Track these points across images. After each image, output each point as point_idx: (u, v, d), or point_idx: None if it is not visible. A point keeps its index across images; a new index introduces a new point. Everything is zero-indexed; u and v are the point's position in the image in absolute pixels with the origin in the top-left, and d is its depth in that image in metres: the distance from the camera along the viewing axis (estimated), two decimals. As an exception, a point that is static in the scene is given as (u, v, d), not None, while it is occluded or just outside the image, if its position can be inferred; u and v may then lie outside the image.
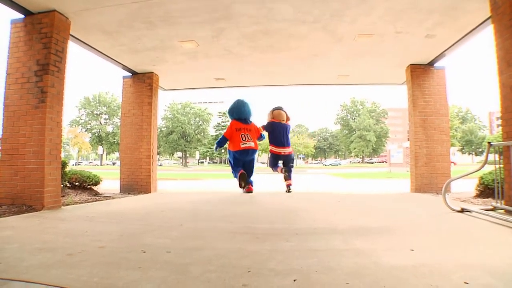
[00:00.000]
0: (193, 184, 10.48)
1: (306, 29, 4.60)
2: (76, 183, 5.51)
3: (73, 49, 4.93)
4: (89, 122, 52.59)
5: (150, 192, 6.24)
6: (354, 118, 59.04)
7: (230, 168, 6.16)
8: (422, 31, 4.60)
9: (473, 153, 52.33)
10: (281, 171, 6.05)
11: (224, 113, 45.86)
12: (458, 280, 1.41)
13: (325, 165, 51.22)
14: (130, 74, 6.57)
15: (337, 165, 50.41)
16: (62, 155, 4.33)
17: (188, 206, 4.20)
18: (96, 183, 5.77)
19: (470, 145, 51.76)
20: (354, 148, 56.92)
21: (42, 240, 2.22)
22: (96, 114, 52.51)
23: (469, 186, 5.28)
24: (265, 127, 6.25)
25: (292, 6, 3.98)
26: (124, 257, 1.81)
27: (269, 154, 6.26)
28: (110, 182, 7.33)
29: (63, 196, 4.75)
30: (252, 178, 6.11)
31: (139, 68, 6.32)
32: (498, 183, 3.31)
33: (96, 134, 52.00)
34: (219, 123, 54.42)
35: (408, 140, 8.79)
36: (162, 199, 5.05)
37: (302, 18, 4.28)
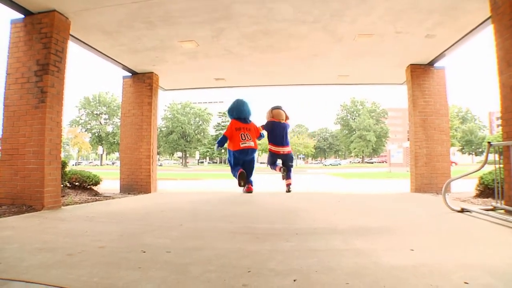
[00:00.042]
0: (193, 184, 10.48)
1: (306, 29, 4.60)
2: (76, 183, 5.51)
3: (73, 49, 4.94)
4: (89, 122, 52.57)
5: (150, 192, 6.24)
6: (354, 118, 59.03)
7: (230, 168, 6.16)
8: (422, 31, 4.60)
9: (473, 153, 52.33)
10: (280, 170, 6.07)
11: (224, 113, 45.87)
12: (458, 280, 1.41)
13: (325, 165, 51.21)
14: (130, 74, 6.57)
15: (337, 165, 50.40)
16: (62, 155, 4.33)
17: (188, 206, 4.20)
18: (96, 183, 5.77)
19: (470, 145, 51.75)
20: (354, 148, 56.91)
21: (42, 240, 2.22)
22: (96, 114, 52.50)
23: (469, 186, 5.28)
24: (265, 127, 6.26)
25: (292, 6, 3.98)
26: (124, 257, 1.81)
27: (268, 152, 6.27)
28: (110, 182, 7.33)
29: (63, 196, 4.75)
30: (252, 178, 6.11)
31: (139, 68, 6.32)
32: (498, 183, 3.31)
33: (96, 134, 51.99)
34: (219, 123, 54.42)
35: (408, 140, 8.79)
36: (162, 199, 5.05)
37: (302, 18, 4.28)
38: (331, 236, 2.33)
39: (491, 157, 3.42)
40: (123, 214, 3.49)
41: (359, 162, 59.21)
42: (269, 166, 6.43)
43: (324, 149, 69.42)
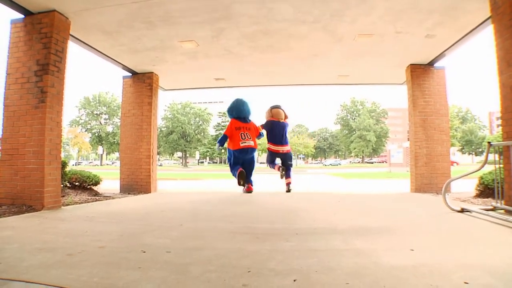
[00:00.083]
0: (193, 184, 10.48)
1: (306, 29, 4.60)
2: (76, 183, 5.51)
3: (73, 49, 4.94)
4: (89, 122, 52.58)
5: (150, 192, 6.24)
6: (354, 118, 59.03)
7: (229, 167, 6.17)
8: (422, 31, 4.60)
9: (473, 153, 52.34)
10: (278, 169, 6.08)
11: (224, 113, 45.85)
12: (458, 280, 1.41)
13: (325, 165, 51.21)
14: (130, 74, 6.57)
15: (337, 165, 50.40)
16: (62, 155, 4.33)
17: (188, 206, 4.20)
18: (96, 183, 5.77)
19: (470, 145, 51.75)
20: (354, 148, 56.92)
21: (42, 240, 2.22)
22: (96, 114, 52.50)
23: (469, 186, 5.28)
24: (264, 126, 6.27)
25: (292, 6, 3.98)
26: (124, 257, 1.81)
27: (267, 151, 6.29)
28: (110, 182, 7.33)
29: (63, 196, 4.75)
30: (252, 178, 6.12)
31: (139, 68, 6.32)
32: (498, 183, 3.31)
33: (96, 134, 52.00)
34: (219, 123, 54.43)
35: (408, 140, 8.79)
36: (162, 199, 5.05)
37: (302, 18, 4.28)
38: (331, 236, 2.33)
39: (491, 157, 3.42)
40: (123, 214, 3.49)
41: (359, 162, 59.22)
42: (268, 165, 6.46)
43: (324, 149, 69.44)
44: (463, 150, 51.82)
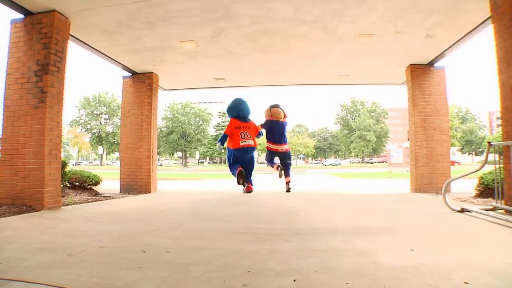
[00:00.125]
0: (193, 184, 10.48)
1: (306, 29, 4.60)
2: (76, 183, 5.51)
3: (73, 49, 4.94)
4: (89, 122, 52.58)
5: (150, 192, 6.24)
6: (354, 118, 59.05)
7: (228, 166, 6.18)
8: (422, 31, 4.60)
9: (473, 153, 52.35)
10: (277, 169, 6.10)
11: (223, 113, 45.84)
12: (458, 280, 1.41)
13: (325, 165, 51.22)
14: (130, 74, 6.57)
15: (337, 165, 50.41)
16: (62, 155, 4.33)
17: (188, 206, 4.20)
18: (96, 183, 5.77)
19: (470, 145, 51.77)
20: (354, 148, 56.93)
21: (42, 240, 2.22)
22: (96, 114, 52.51)
23: (469, 186, 5.28)
24: (263, 125, 6.28)
25: (292, 6, 3.98)
26: (124, 257, 1.81)
27: (267, 150, 6.31)
28: (110, 182, 7.33)
29: (63, 196, 4.75)
30: (252, 178, 6.13)
31: (139, 68, 6.32)
32: (498, 183, 3.31)
33: (96, 134, 52.01)
34: (219, 123, 54.44)
35: (408, 140, 8.79)
36: (162, 199, 5.05)
37: (302, 18, 4.28)
38: (331, 236, 2.33)
39: (491, 157, 3.42)
40: (123, 214, 3.49)
41: (359, 162, 59.23)
42: (267, 164, 6.51)
43: (324, 149, 69.45)
44: (463, 150, 51.84)
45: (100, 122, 52.82)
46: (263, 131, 6.29)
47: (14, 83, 3.87)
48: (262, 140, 6.60)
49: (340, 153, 68.70)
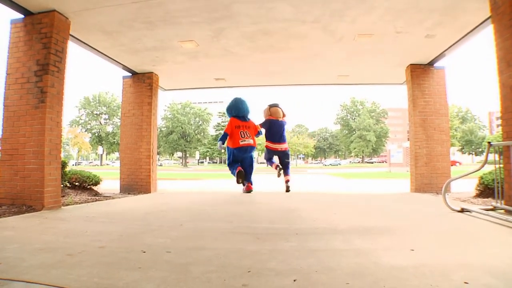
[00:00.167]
0: (193, 184, 10.47)
1: (306, 29, 4.60)
2: (76, 183, 5.51)
3: (73, 49, 4.94)
4: (89, 122, 52.60)
5: (150, 192, 6.24)
6: (354, 118, 59.07)
7: (228, 165, 6.19)
8: (422, 31, 4.60)
9: (473, 153, 52.36)
10: (276, 168, 6.11)
11: (223, 113, 45.95)
12: (458, 280, 1.41)
13: (325, 165, 51.24)
14: (130, 74, 6.57)
15: (337, 165, 50.42)
16: (62, 155, 4.33)
17: (188, 206, 4.20)
18: (96, 183, 5.77)
19: (470, 145, 51.78)
20: (354, 148, 56.95)
21: (42, 240, 2.22)
22: (96, 114, 52.52)
23: (469, 186, 5.28)
24: (263, 125, 6.29)
25: (292, 6, 3.98)
26: (124, 257, 1.81)
27: (265, 149, 6.32)
28: (110, 182, 7.33)
29: (63, 196, 4.75)
30: (252, 178, 6.14)
31: (139, 68, 6.32)
32: (498, 183, 3.31)
33: (96, 134, 52.02)
34: (219, 123, 54.45)
35: (408, 140, 8.79)
36: (162, 199, 5.05)
37: (302, 18, 4.28)
38: (331, 236, 2.33)
39: (491, 157, 3.42)
40: (123, 214, 3.50)
41: (359, 162, 59.26)
42: (267, 163, 6.54)
43: (324, 149, 69.47)
44: (463, 150, 51.85)
45: (100, 122, 52.82)
46: (263, 130, 6.31)
47: (14, 83, 3.87)
48: (261, 140, 6.60)
49: (340, 153, 68.72)
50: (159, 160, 52.93)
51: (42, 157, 3.70)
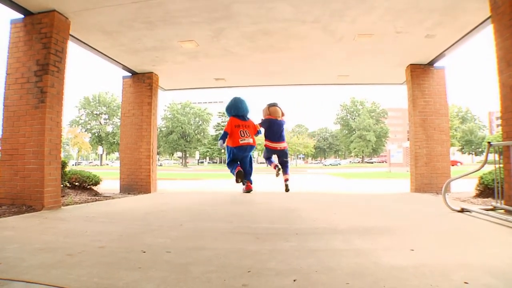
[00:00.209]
0: (193, 184, 10.47)
1: (306, 29, 4.60)
2: (76, 183, 5.51)
3: (73, 49, 4.94)
4: (89, 122, 52.61)
5: (150, 192, 6.24)
6: (354, 118, 59.08)
7: (227, 164, 6.20)
8: (422, 31, 4.60)
9: (473, 153, 52.37)
10: (275, 168, 6.13)
11: (223, 113, 45.92)
12: (458, 280, 1.41)
13: (325, 165, 51.24)
14: (130, 74, 6.57)
15: (337, 165, 50.42)
16: (62, 155, 4.33)
17: (188, 206, 4.20)
18: (96, 183, 5.77)
19: (470, 145, 51.79)
20: (354, 148, 56.96)
21: (42, 240, 2.22)
22: (96, 114, 52.52)
23: (469, 186, 5.28)
24: (262, 124, 6.30)
25: (292, 6, 3.98)
26: (124, 257, 1.81)
27: (265, 148, 6.34)
28: (110, 182, 7.33)
29: (63, 196, 4.75)
30: (252, 177, 6.15)
31: (139, 68, 6.32)
32: (498, 183, 3.31)
33: (96, 134, 52.02)
34: (218, 123, 54.46)
35: (408, 140, 8.79)
36: (162, 199, 5.05)
37: (302, 18, 4.28)
38: (331, 236, 2.33)
39: (491, 157, 3.42)
40: (123, 214, 3.49)
41: (359, 162, 59.27)
42: (266, 162, 6.57)
43: (324, 149, 69.50)
44: (463, 150, 51.86)
45: (100, 122, 52.82)
46: (262, 129, 6.32)
47: (14, 83, 3.87)
48: (261, 140, 6.58)
49: (340, 153, 68.74)
50: (159, 160, 52.97)
51: (42, 157, 3.70)
